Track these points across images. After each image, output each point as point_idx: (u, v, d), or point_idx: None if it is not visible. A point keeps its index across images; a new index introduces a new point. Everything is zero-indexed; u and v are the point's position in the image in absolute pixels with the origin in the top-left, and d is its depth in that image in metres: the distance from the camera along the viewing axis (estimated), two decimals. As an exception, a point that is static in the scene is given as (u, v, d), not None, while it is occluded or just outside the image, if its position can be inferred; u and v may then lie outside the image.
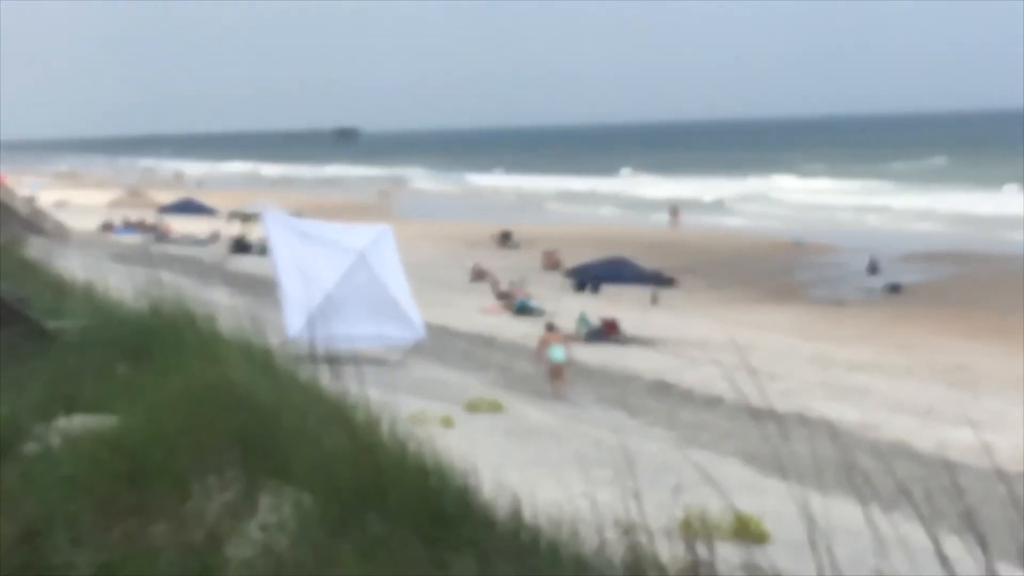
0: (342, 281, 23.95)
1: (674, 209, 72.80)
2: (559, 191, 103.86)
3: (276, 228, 26.10)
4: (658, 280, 36.34)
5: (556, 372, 23.57)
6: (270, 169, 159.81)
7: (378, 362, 19.14)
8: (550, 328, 25.77)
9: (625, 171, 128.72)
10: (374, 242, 26.10)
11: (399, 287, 25.47)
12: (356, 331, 22.22)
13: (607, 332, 31.02)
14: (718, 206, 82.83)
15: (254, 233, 47.63)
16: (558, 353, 23.80)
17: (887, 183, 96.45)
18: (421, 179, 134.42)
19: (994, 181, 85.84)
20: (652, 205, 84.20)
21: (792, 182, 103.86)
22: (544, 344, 24.26)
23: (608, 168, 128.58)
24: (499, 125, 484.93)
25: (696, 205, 78.33)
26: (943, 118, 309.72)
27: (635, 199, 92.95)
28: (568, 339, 29.13)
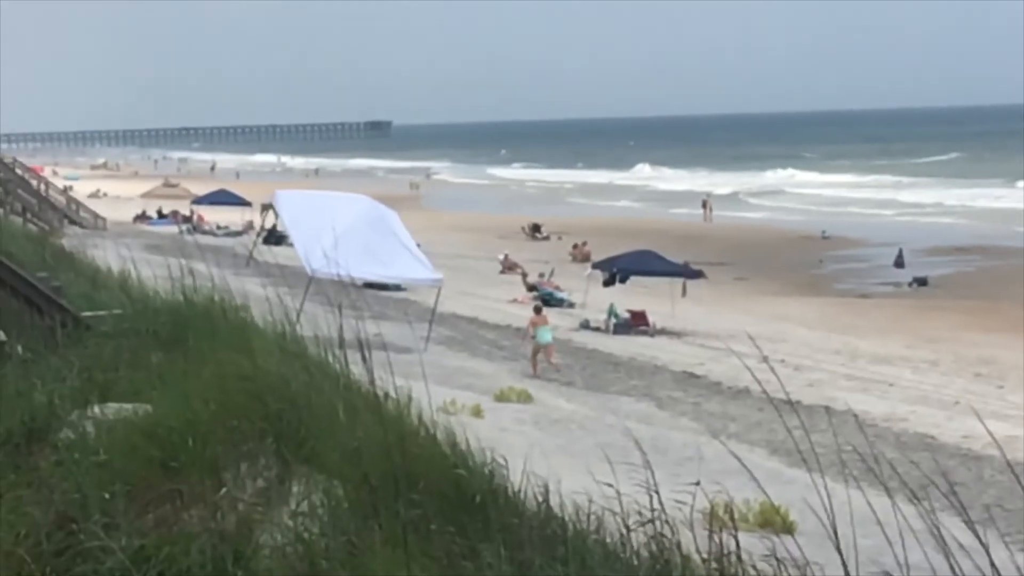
0: (354, 221, 25.35)
1: (706, 202, 72.45)
2: (579, 184, 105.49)
3: (286, 198, 28.82)
4: (686, 272, 36.21)
5: (547, 352, 24.35)
6: (301, 162, 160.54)
7: (407, 351, 19.23)
8: (538, 311, 26.37)
9: (640, 166, 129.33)
10: (382, 204, 28.59)
11: (409, 241, 26.94)
12: (371, 268, 24.09)
13: (635, 324, 31.01)
14: (733, 199, 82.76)
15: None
16: (546, 335, 24.59)
17: (902, 177, 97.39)
18: (446, 172, 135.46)
19: (1008, 176, 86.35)
20: (670, 198, 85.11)
21: (809, 176, 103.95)
22: (533, 326, 25.01)
23: (623, 162, 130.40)
24: (514, 119, 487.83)
25: (712, 199, 78.41)
26: (956, 113, 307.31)
27: (653, 192, 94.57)
28: (595, 330, 29.28)
